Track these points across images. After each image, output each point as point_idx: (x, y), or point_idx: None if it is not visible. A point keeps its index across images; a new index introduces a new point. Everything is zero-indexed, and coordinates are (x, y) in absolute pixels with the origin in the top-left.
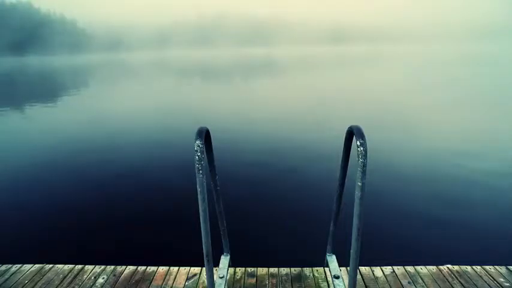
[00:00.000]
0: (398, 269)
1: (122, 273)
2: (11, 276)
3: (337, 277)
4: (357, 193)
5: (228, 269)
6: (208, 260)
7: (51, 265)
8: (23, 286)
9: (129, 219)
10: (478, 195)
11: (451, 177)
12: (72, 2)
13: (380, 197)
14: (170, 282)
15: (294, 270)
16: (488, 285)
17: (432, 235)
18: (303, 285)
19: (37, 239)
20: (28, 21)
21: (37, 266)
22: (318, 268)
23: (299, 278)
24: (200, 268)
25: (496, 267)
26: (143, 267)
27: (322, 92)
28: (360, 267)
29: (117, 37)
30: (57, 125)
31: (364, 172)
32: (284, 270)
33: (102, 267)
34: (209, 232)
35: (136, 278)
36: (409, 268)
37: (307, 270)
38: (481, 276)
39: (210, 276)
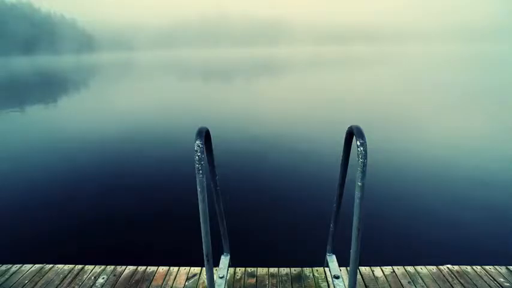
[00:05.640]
0: (398, 269)
1: (121, 273)
2: (11, 276)
3: (337, 277)
4: (357, 193)
5: (228, 269)
6: (208, 260)
7: (51, 265)
8: (23, 286)
9: (129, 219)
10: (478, 195)
11: (451, 177)
12: (72, 2)
13: (380, 197)
14: (170, 282)
15: (294, 270)
16: (488, 285)
17: (432, 235)
18: (303, 285)
19: (37, 239)
20: (28, 22)
21: (37, 266)
22: (318, 268)
23: (299, 278)
24: (200, 268)
25: (496, 267)
26: (143, 267)
27: (323, 91)
28: (360, 267)
29: (118, 37)
30: (58, 125)
31: (364, 172)
32: (284, 270)
33: (102, 267)
34: (209, 232)
35: (136, 278)
36: (409, 268)
37: (307, 270)
38: (481, 276)
39: (210, 276)
